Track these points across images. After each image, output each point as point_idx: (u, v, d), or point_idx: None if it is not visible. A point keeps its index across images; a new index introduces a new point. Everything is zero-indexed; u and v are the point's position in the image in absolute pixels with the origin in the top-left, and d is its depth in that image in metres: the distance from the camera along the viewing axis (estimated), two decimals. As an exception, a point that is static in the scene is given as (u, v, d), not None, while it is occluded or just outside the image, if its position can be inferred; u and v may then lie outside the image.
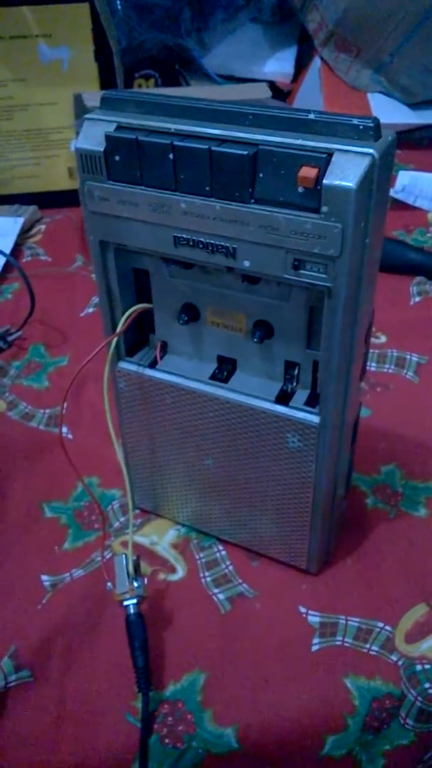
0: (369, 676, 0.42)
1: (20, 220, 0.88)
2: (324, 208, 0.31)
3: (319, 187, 0.31)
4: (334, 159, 0.31)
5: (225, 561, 0.49)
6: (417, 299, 0.75)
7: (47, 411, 0.62)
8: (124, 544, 0.50)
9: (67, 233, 0.91)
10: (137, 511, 0.53)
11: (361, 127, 0.31)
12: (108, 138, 0.35)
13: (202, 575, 0.48)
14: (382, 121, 0.32)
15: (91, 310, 0.76)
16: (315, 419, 0.39)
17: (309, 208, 0.32)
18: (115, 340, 0.41)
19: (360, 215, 0.32)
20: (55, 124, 0.94)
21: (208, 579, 0.48)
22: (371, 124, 0.31)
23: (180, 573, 0.48)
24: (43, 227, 0.93)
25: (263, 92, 0.79)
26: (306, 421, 0.40)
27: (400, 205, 0.93)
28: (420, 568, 0.48)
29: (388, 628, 0.44)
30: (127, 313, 0.41)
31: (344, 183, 0.30)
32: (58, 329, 0.72)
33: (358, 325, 0.36)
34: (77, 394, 0.63)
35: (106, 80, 0.93)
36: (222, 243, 0.35)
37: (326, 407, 0.39)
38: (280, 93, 1.29)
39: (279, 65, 1.30)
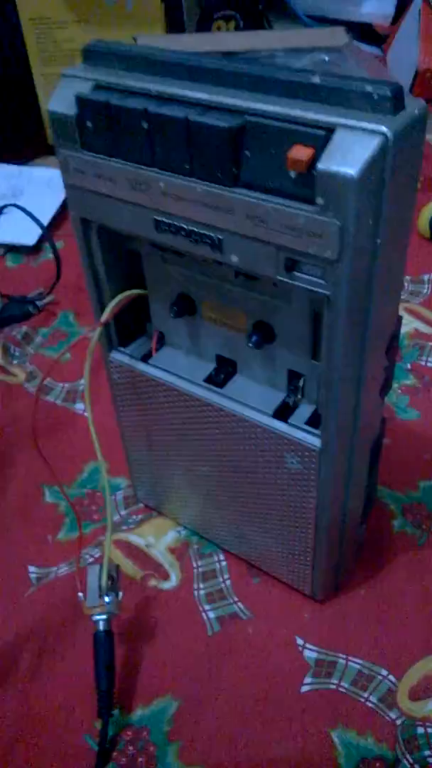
0: (361, 731, 0.37)
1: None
2: (319, 200, 0.25)
3: (313, 173, 0.25)
4: (335, 137, 0.24)
5: (223, 573, 0.44)
6: None
7: (66, 385, 0.59)
8: (118, 543, 0.46)
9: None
10: (140, 505, 0.49)
11: (375, 96, 0.24)
12: (79, 100, 0.29)
13: (195, 587, 0.44)
14: None
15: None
16: (316, 441, 0.33)
17: (302, 198, 0.26)
18: (99, 330, 0.36)
19: (366, 210, 0.25)
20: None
21: (202, 592, 0.43)
22: (389, 93, 0.24)
23: (173, 581, 0.44)
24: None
25: (339, 38, 0.69)
26: (305, 443, 0.34)
27: None
28: (441, 610, 0.42)
29: (392, 677, 0.39)
30: (113, 301, 0.36)
31: (343, 170, 0.24)
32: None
33: (369, 338, 0.30)
34: (99, 371, 0.59)
35: (175, 22, 0.85)
36: (206, 232, 0.29)
37: (329, 430, 0.33)
38: (377, 37, 1.16)
39: (377, 6, 1.16)
